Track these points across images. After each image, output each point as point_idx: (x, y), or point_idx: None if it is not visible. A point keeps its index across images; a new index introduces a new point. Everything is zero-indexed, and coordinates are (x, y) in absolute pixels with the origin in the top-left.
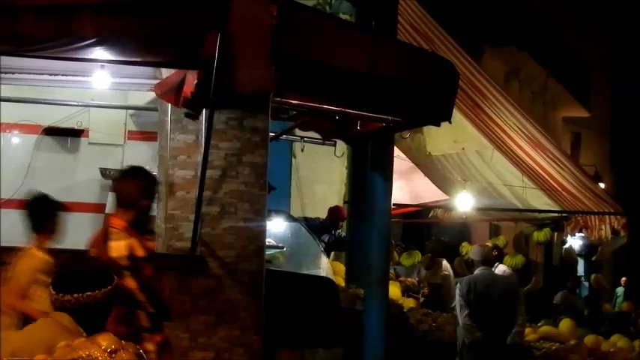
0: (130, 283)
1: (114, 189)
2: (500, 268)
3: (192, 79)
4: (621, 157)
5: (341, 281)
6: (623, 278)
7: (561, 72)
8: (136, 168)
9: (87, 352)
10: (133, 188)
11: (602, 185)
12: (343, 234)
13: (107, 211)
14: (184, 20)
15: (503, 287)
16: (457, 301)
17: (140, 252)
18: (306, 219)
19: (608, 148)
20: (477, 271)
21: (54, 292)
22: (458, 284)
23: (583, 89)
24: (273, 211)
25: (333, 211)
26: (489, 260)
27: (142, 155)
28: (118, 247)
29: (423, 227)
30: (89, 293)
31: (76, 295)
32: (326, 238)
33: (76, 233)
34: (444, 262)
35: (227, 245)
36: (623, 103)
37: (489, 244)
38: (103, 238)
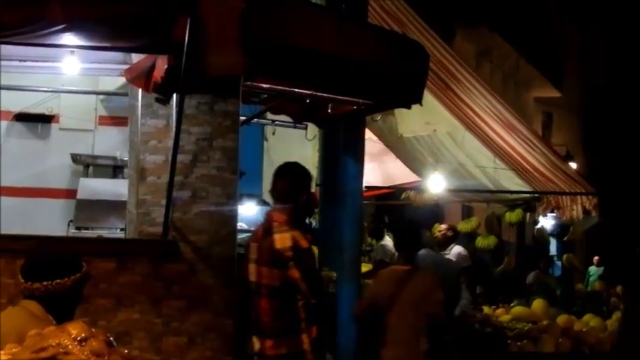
0: (294, 273)
1: (273, 186)
2: (455, 250)
3: (162, 63)
4: (593, 137)
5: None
6: (596, 258)
7: (533, 53)
8: (291, 164)
9: (57, 341)
10: (289, 184)
11: (573, 165)
12: (315, 223)
13: (79, 196)
14: (154, 5)
15: (446, 269)
16: None
17: (304, 243)
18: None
19: (579, 128)
20: (419, 253)
21: (23, 281)
22: None
23: (554, 69)
24: (246, 195)
25: (310, 199)
26: (431, 243)
27: (112, 140)
28: (282, 239)
29: (395, 209)
30: (58, 281)
31: (45, 283)
32: None
33: (48, 219)
34: (386, 242)
35: (199, 230)
36: (595, 83)
37: (444, 225)
38: (265, 231)
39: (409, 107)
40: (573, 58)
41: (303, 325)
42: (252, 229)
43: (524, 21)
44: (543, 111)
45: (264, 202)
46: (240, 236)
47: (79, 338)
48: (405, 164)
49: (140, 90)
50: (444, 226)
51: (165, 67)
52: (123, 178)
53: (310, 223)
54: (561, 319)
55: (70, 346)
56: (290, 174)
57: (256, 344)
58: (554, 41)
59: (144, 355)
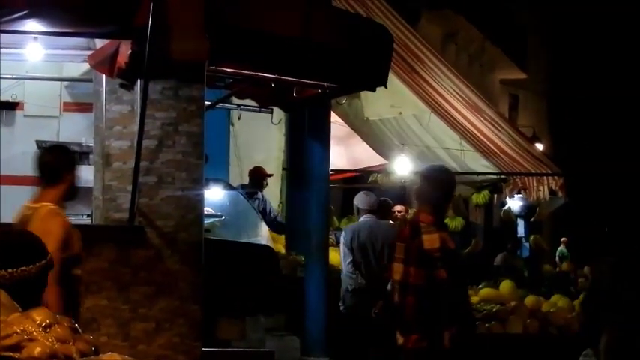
0: (441, 273)
1: (416, 189)
2: None
3: (126, 49)
4: (558, 119)
5: (281, 248)
6: (563, 238)
7: (498, 34)
8: (434, 169)
9: (21, 327)
10: (433, 188)
11: (540, 146)
12: (278, 217)
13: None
14: None
15: (385, 235)
16: (341, 249)
17: (451, 244)
18: (243, 186)
19: (545, 109)
20: (361, 219)
21: None
22: (343, 232)
23: (520, 51)
24: (211, 180)
25: (254, 173)
26: (375, 210)
27: (77, 126)
28: (431, 240)
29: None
30: (24, 268)
31: (10, 270)
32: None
33: (14, 206)
34: None
35: (165, 215)
36: (560, 64)
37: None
38: (412, 232)
39: (374, 90)
40: (538, 40)
41: (445, 322)
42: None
43: (489, 3)
44: (509, 93)
45: (230, 187)
46: (206, 221)
47: (43, 324)
48: (371, 147)
49: (104, 76)
50: (398, 207)
51: (129, 52)
52: (88, 164)
53: (275, 217)
54: (529, 300)
55: (34, 333)
56: (433, 179)
57: (400, 339)
58: (519, 23)
59: (112, 341)
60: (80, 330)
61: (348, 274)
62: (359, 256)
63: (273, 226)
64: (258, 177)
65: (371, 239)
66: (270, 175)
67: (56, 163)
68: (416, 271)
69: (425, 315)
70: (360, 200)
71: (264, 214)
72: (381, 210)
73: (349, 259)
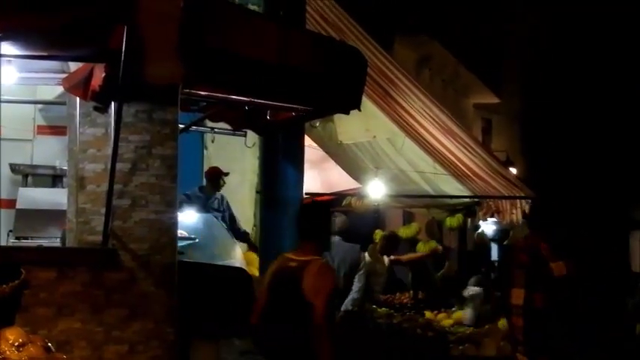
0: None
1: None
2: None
3: (99, 72)
4: (531, 142)
5: (255, 271)
6: None
7: (472, 60)
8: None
9: None
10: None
11: (513, 170)
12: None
13: (18, 206)
14: (90, 14)
15: (344, 255)
16: None
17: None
18: (185, 194)
19: (519, 133)
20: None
21: None
22: None
23: (493, 76)
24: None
25: (210, 173)
26: (343, 232)
27: (51, 150)
28: (559, 267)
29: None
30: None
31: None
32: (214, 204)
33: None
34: None
35: (139, 238)
36: (533, 88)
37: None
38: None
39: (348, 113)
40: (512, 64)
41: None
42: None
43: (463, 29)
44: (483, 117)
45: (185, 195)
46: (180, 244)
47: (16, 344)
48: (345, 171)
49: (78, 99)
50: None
51: (103, 75)
52: (62, 187)
53: (245, 232)
54: (503, 322)
55: (7, 352)
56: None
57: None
58: (493, 48)
59: None
60: (53, 349)
61: None
62: None
63: (239, 235)
64: (214, 177)
65: (328, 259)
66: (227, 174)
67: (318, 220)
68: (542, 297)
69: (550, 338)
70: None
71: (226, 222)
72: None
73: None
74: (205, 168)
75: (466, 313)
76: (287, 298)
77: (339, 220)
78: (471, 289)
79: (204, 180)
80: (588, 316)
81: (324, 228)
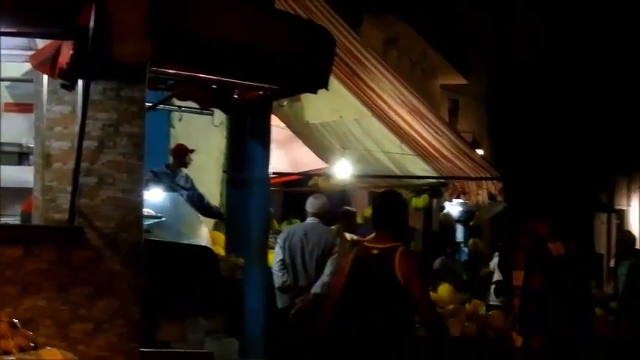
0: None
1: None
2: None
3: (67, 49)
4: (498, 124)
5: (221, 251)
6: (502, 243)
7: (439, 40)
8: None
9: None
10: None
11: (480, 152)
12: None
13: None
14: None
15: (319, 237)
16: (276, 248)
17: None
18: (152, 171)
19: (485, 115)
20: (305, 222)
21: None
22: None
23: (461, 57)
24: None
25: (176, 151)
26: (321, 213)
27: (18, 127)
28: (557, 247)
29: (303, 195)
30: None
31: None
32: (180, 181)
33: None
34: None
35: (105, 216)
36: (500, 70)
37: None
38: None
39: (315, 92)
40: (479, 46)
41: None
42: None
43: (430, 9)
44: (450, 98)
45: (152, 172)
46: (146, 222)
47: None
48: (312, 151)
49: (45, 76)
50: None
51: (71, 52)
52: (29, 164)
53: (217, 208)
54: (469, 303)
55: None
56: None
57: (518, 340)
58: (460, 29)
59: (50, 342)
60: (19, 325)
61: (275, 272)
62: (288, 256)
63: (211, 212)
64: (180, 153)
65: (302, 241)
66: (193, 151)
67: (394, 209)
68: (540, 278)
69: (545, 318)
70: (308, 203)
71: (194, 200)
72: (344, 216)
73: (279, 258)
74: (172, 147)
75: None
76: (379, 284)
77: (318, 202)
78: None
79: (171, 157)
80: (582, 298)
81: (399, 216)
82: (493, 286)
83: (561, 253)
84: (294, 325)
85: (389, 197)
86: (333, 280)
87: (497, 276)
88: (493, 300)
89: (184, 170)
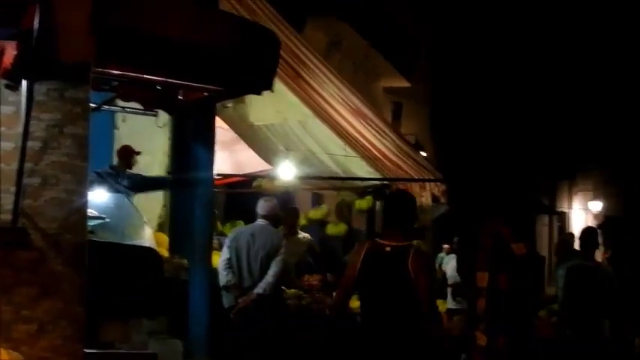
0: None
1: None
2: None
3: (11, 49)
4: (440, 127)
5: (164, 252)
6: (446, 245)
7: (382, 43)
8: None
9: None
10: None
11: (423, 154)
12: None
13: None
14: None
15: (265, 239)
16: (224, 247)
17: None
18: (96, 172)
19: (428, 117)
20: (254, 223)
21: None
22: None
23: (404, 60)
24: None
25: (122, 152)
26: (271, 216)
27: None
28: (519, 247)
29: (246, 197)
30: None
31: None
32: (124, 182)
33: None
34: None
35: (49, 217)
36: (442, 73)
37: None
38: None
39: (260, 93)
40: (422, 48)
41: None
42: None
43: (373, 12)
44: (392, 101)
45: (97, 174)
46: (90, 223)
47: None
48: (256, 152)
49: None
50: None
51: (14, 53)
52: None
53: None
54: None
55: None
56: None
57: (481, 340)
58: (402, 32)
59: None
60: None
61: (220, 271)
62: (234, 256)
63: (158, 183)
64: (126, 155)
65: (249, 242)
66: (139, 153)
67: (404, 208)
68: (506, 278)
69: (511, 317)
70: (259, 205)
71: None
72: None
73: (225, 257)
74: (116, 147)
75: None
76: (392, 281)
77: (268, 204)
78: None
79: (116, 158)
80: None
81: (409, 215)
82: (450, 289)
83: (524, 253)
84: (237, 324)
85: (401, 196)
86: (346, 272)
87: (453, 279)
88: (450, 303)
89: (128, 172)
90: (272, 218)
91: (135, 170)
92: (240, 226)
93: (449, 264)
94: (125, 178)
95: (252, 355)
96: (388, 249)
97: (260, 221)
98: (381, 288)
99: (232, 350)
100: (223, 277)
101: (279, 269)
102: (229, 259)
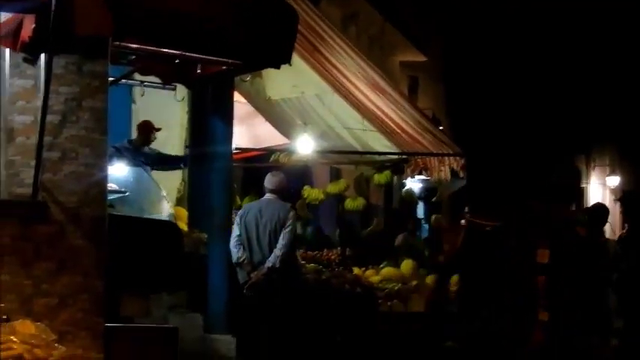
0: None
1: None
2: None
3: (29, 23)
4: (456, 101)
5: (184, 226)
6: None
7: (397, 17)
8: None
9: None
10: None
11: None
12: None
13: None
14: None
15: (272, 212)
16: (234, 224)
17: None
18: (114, 146)
19: (444, 92)
20: (262, 198)
21: None
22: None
23: (419, 34)
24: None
25: (142, 127)
26: (279, 190)
27: None
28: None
29: (264, 171)
30: None
31: None
32: (141, 158)
33: None
34: None
35: (69, 191)
36: (458, 47)
37: None
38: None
39: (278, 67)
40: (436, 22)
41: None
42: None
43: None
44: (409, 75)
45: (114, 148)
46: (109, 197)
47: None
48: (273, 126)
49: (7, 50)
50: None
51: (33, 26)
52: None
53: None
54: (430, 279)
55: None
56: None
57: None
58: (417, 4)
59: (14, 317)
60: None
61: (231, 248)
62: (243, 232)
63: (177, 161)
64: (146, 130)
65: (257, 217)
66: (159, 129)
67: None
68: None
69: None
70: (266, 180)
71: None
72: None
73: (235, 234)
74: (134, 122)
75: None
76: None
77: (275, 179)
78: None
79: (135, 133)
80: None
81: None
82: None
83: (585, 237)
84: (250, 299)
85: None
86: (447, 253)
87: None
88: None
89: (146, 148)
90: (280, 192)
91: (153, 144)
92: (249, 202)
93: None
94: (142, 154)
95: (266, 329)
96: (488, 228)
97: (268, 196)
98: (485, 269)
99: (247, 325)
100: (235, 254)
101: (288, 241)
102: (239, 236)
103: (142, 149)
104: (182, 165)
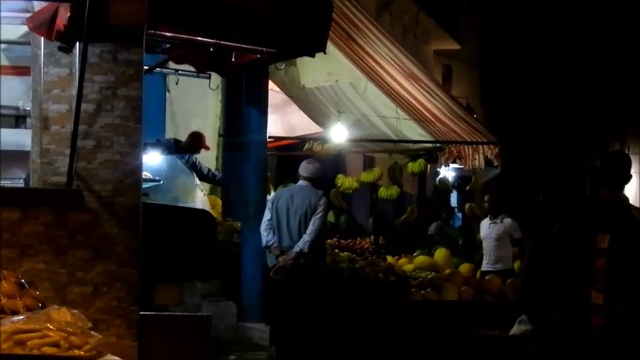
0: None
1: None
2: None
3: (64, 12)
4: (490, 89)
5: (218, 215)
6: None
7: (431, 5)
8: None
9: None
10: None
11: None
12: (216, 172)
13: None
14: None
15: (304, 198)
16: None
17: None
18: (158, 140)
19: (478, 80)
20: (296, 184)
21: None
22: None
23: (453, 22)
24: (150, 144)
25: (195, 137)
26: (313, 178)
27: (15, 90)
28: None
29: (298, 160)
30: None
31: None
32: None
33: None
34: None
35: (103, 179)
36: (492, 35)
37: None
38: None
39: (313, 55)
40: (470, 10)
41: None
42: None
43: None
44: (443, 64)
45: (157, 141)
46: (144, 185)
47: None
48: (307, 115)
49: (42, 38)
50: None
51: (68, 15)
52: (26, 127)
53: (214, 174)
54: (463, 267)
55: None
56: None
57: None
58: None
59: (48, 304)
60: (27, 286)
61: (261, 231)
62: (274, 216)
63: (212, 181)
64: (197, 141)
65: (288, 202)
66: (208, 148)
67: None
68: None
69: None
70: (301, 167)
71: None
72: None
73: (267, 218)
74: (168, 110)
75: None
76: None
77: (311, 166)
78: None
79: (188, 137)
80: None
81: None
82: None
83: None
84: (277, 282)
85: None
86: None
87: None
88: (485, 266)
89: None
90: (314, 180)
91: (186, 132)
92: (282, 188)
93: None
94: (183, 158)
95: (289, 313)
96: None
97: (301, 182)
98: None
99: (274, 308)
100: (264, 238)
101: (318, 227)
102: (270, 220)
103: (186, 156)
104: (218, 182)
